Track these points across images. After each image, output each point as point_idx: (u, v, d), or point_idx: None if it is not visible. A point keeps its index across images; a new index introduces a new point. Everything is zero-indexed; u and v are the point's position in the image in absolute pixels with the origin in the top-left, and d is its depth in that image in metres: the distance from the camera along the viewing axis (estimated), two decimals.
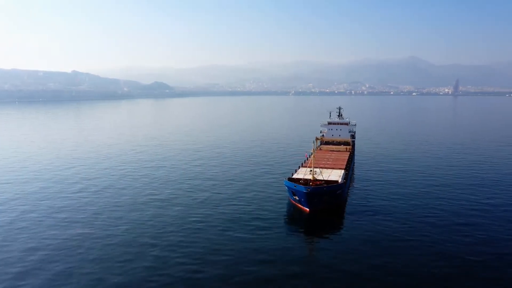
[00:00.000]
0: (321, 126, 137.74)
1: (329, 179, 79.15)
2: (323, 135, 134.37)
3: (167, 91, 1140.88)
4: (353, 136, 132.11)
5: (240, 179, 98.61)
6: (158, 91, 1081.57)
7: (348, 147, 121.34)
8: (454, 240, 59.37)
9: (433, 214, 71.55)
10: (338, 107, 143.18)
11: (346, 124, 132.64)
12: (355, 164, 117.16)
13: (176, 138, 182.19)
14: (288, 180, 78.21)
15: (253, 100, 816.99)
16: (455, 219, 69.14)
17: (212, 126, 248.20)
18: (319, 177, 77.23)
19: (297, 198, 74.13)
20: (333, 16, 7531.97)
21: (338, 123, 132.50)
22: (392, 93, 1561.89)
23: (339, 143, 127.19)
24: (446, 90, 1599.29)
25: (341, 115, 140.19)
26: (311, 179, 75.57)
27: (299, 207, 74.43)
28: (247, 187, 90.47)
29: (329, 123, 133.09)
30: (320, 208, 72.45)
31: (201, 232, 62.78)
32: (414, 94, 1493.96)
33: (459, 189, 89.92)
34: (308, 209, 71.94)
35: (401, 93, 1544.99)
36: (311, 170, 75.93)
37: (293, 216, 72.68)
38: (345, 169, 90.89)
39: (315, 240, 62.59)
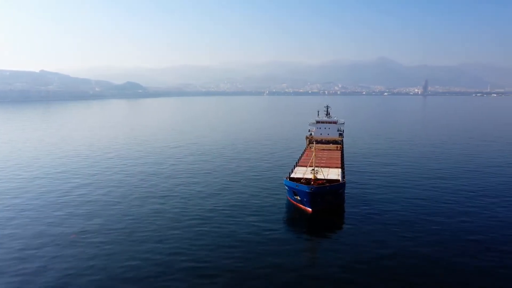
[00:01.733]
0: (309, 125, 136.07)
1: (328, 178, 77.15)
2: (311, 134, 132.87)
3: (140, 91, 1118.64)
4: (341, 135, 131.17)
5: (233, 180, 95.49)
6: (131, 91, 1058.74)
7: (338, 145, 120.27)
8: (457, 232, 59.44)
9: (430, 207, 72.46)
10: (325, 105, 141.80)
11: (335, 122, 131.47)
12: (345, 163, 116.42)
13: (161, 139, 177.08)
14: (288, 179, 75.74)
15: (229, 101, 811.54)
16: (456, 208, 70.78)
17: (197, 127, 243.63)
18: (320, 176, 75.12)
19: (298, 198, 71.67)
20: (306, 16, 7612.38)
21: (326, 122, 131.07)
22: (364, 93, 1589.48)
23: (328, 142, 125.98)
24: (416, 90, 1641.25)
25: (329, 114, 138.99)
26: (312, 178, 73.30)
27: (301, 207, 71.96)
28: (242, 188, 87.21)
29: (318, 122, 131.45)
30: (322, 208, 70.36)
31: (201, 236, 59.65)
32: (385, 94, 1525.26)
33: (451, 180, 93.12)
34: (310, 209, 69.58)
35: (373, 93, 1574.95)
36: (312, 169, 73.53)
37: (295, 217, 70.19)
38: (341, 167, 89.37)
39: (320, 241, 60.26)
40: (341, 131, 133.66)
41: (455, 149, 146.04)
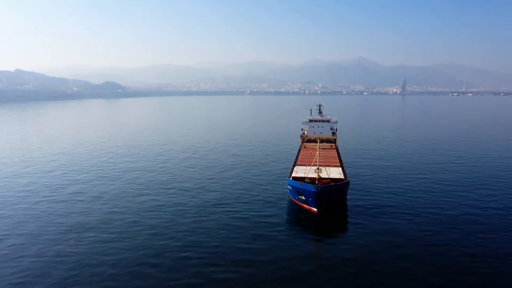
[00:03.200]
0: (302, 123, 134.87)
1: (332, 177, 75.81)
2: (304, 133, 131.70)
3: (120, 91, 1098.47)
4: (334, 133, 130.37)
5: (229, 181, 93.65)
6: (110, 91, 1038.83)
7: (332, 144, 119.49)
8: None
9: (427, 204, 72.86)
10: (318, 104, 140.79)
11: (328, 121, 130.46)
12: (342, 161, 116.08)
13: (148, 138, 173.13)
14: (291, 179, 74.02)
15: (211, 100, 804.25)
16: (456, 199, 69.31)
17: (188, 127, 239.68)
18: (322, 175, 73.67)
19: (303, 198, 70.09)
20: (286, 16, 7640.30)
21: (319, 120, 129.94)
22: (344, 92, 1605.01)
23: (322, 141, 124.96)
24: (395, 89, 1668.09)
25: (322, 113, 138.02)
26: (316, 177, 71.80)
27: (305, 207, 70.43)
28: (239, 190, 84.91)
29: (310, 121, 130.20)
30: (327, 207, 68.99)
31: (203, 237, 57.76)
32: (365, 93, 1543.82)
33: (443, 173, 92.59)
34: (316, 209, 68.12)
35: (353, 93, 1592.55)
36: (317, 168, 71.98)
37: (300, 218, 68.59)
38: (340, 166, 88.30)
39: (330, 243, 58.48)
40: (334, 129, 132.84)
41: (443, 144, 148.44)
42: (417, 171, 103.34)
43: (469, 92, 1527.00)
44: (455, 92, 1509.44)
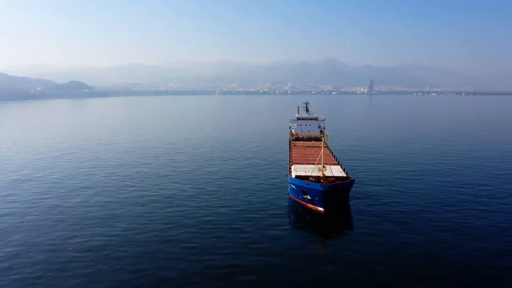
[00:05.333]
0: (290, 121, 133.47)
1: (335, 175, 73.92)
2: (291, 131, 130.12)
3: (86, 90, 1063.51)
4: (322, 132, 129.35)
5: (226, 182, 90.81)
6: (76, 90, 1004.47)
7: (322, 142, 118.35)
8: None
9: (424, 201, 72.42)
10: (305, 102, 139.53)
11: (315, 119, 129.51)
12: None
13: (132, 139, 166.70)
14: (295, 177, 71.56)
15: (182, 100, 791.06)
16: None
17: (164, 127, 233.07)
18: (328, 174, 71.78)
19: (308, 198, 67.87)
20: (253, 15, 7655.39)
21: (307, 119, 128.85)
22: (313, 92, 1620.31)
23: (310, 139, 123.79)
24: (362, 89, 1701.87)
25: (309, 111, 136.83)
26: (321, 176, 69.77)
27: (311, 207, 68.24)
28: (237, 191, 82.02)
29: (298, 119, 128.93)
30: (333, 207, 67.08)
31: (207, 238, 55.17)
32: (334, 93, 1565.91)
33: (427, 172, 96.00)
34: (323, 209, 66.10)
35: (322, 92, 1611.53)
36: (323, 167, 70.00)
37: (305, 218, 66.47)
38: (338, 164, 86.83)
39: (337, 243, 56.43)
40: (322, 127, 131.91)
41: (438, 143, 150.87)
42: (410, 169, 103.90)
43: (433, 92, 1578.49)
44: (420, 92, 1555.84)
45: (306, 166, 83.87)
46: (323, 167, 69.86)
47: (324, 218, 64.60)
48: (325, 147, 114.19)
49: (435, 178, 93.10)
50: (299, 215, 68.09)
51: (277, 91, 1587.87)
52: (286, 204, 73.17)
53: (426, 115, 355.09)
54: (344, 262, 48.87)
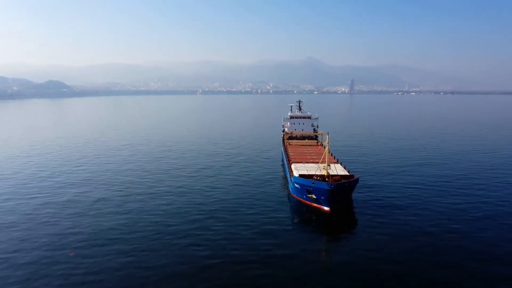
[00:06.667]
0: (283, 120, 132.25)
1: (339, 174, 72.71)
2: (284, 130, 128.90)
3: (65, 90, 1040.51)
4: (315, 130, 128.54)
5: (220, 180, 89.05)
6: (54, 90, 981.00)
7: (317, 141, 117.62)
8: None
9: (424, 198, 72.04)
10: (298, 100, 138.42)
11: (309, 117, 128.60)
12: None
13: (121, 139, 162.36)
14: (299, 176, 70.08)
15: (165, 100, 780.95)
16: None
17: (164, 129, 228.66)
18: (332, 172, 70.58)
19: (313, 197, 66.54)
20: (234, 14, 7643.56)
21: (300, 117, 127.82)
22: (295, 92, 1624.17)
23: (303, 137, 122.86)
24: (343, 89, 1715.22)
25: (302, 109, 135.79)
26: (325, 174, 68.55)
27: (316, 206, 66.95)
28: (235, 192, 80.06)
29: (292, 117, 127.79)
30: (338, 206, 66.02)
31: (208, 244, 53.23)
32: (315, 92, 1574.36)
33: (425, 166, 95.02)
34: (329, 209, 64.96)
35: (304, 92, 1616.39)
36: (328, 165, 68.80)
37: (310, 218, 65.15)
38: (338, 162, 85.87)
39: (349, 243, 55.43)
40: (315, 126, 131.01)
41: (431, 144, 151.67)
42: (406, 167, 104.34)
43: (412, 91, 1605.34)
44: (399, 91, 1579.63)
45: (306, 164, 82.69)
46: (328, 165, 68.63)
47: (329, 218, 63.51)
48: (320, 145, 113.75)
49: (430, 174, 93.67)
50: (303, 216, 66.67)
51: (259, 91, 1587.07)
52: (287, 202, 71.87)
53: (413, 114, 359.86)
54: (352, 262, 47.93)
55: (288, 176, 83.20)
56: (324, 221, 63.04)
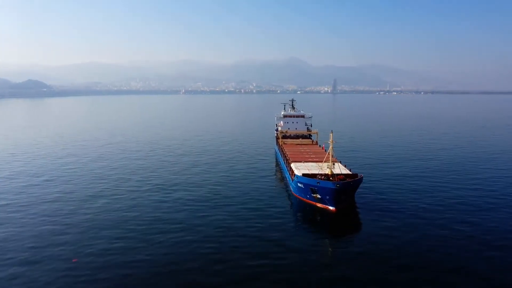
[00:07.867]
0: (277, 119, 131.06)
1: (343, 173, 71.52)
2: (277, 129, 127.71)
3: (45, 90, 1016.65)
4: (309, 129, 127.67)
5: (223, 185, 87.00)
6: (34, 90, 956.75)
7: (312, 140, 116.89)
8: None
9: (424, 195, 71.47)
10: (291, 99, 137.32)
11: (302, 116, 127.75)
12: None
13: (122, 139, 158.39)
14: (302, 175, 68.66)
15: (149, 100, 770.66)
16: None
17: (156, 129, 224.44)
18: (335, 171, 69.46)
19: (318, 197, 65.28)
20: (216, 13, 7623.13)
21: (293, 116, 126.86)
22: (279, 91, 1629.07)
23: (297, 136, 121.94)
24: (326, 88, 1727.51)
25: (295, 108, 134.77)
26: (329, 173, 67.40)
27: (321, 206, 65.70)
28: (236, 192, 78.43)
29: (285, 116, 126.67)
30: (343, 206, 64.94)
31: (212, 241, 52.23)
32: (298, 92, 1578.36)
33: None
34: (334, 208, 63.83)
35: (287, 92, 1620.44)
36: (332, 164, 67.71)
37: (315, 218, 63.86)
38: (337, 161, 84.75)
39: (351, 244, 54.28)
40: (308, 125, 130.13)
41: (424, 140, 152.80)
42: (405, 166, 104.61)
43: (394, 91, 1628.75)
44: (381, 91, 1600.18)
45: (306, 164, 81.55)
46: (332, 164, 67.51)
47: (334, 218, 62.37)
48: (316, 144, 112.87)
49: (429, 171, 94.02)
50: (307, 216, 65.31)
51: (242, 91, 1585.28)
52: (289, 203, 70.50)
53: (396, 115, 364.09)
54: (359, 262, 47.09)
55: (287, 175, 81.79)
56: (329, 222, 61.94)
